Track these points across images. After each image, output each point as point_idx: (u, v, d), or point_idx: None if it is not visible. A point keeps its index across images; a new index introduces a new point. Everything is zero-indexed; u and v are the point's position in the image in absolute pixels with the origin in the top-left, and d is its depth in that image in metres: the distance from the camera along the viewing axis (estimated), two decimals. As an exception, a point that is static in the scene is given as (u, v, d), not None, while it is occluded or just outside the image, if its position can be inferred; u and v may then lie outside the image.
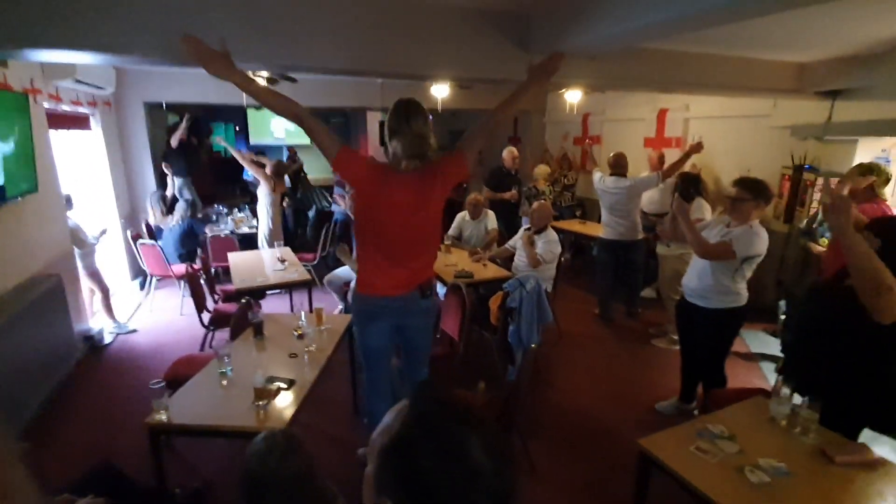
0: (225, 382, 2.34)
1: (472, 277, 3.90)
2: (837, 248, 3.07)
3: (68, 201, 4.19)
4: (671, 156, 4.93)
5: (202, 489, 2.44)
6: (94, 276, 4.34)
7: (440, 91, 4.86)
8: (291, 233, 7.02)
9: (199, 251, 5.24)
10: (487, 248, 4.62)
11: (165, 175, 6.12)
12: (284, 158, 8.19)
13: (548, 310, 3.59)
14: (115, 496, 1.54)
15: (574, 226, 6.13)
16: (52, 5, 1.98)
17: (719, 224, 2.86)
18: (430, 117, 2.06)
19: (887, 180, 3.28)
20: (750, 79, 3.74)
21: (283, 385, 2.26)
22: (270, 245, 5.30)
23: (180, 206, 5.32)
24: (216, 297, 4.44)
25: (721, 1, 1.88)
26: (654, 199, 5.11)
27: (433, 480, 0.58)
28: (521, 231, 4.34)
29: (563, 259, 4.10)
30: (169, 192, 5.74)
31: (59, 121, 4.42)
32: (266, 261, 4.64)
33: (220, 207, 6.65)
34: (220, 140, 6.37)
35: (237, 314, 3.08)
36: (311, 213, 7.35)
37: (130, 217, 5.89)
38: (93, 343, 4.16)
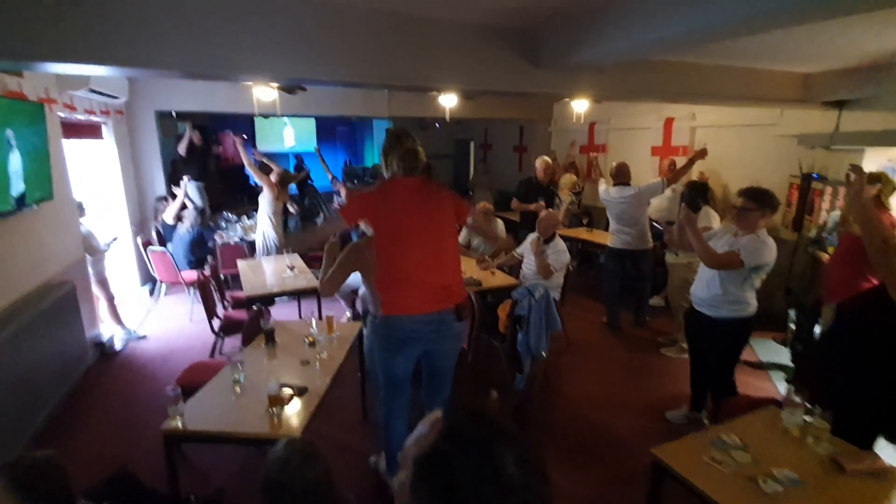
0: (238, 389, 2.35)
1: (480, 285, 3.92)
2: (842, 257, 3.09)
3: (80, 208, 4.25)
4: (680, 164, 4.94)
5: (216, 496, 2.45)
6: (102, 283, 4.38)
7: (448, 101, 4.91)
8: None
9: (208, 258, 5.29)
10: (495, 256, 4.64)
11: (173, 183, 6.16)
12: (292, 167, 8.24)
13: (556, 318, 3.59)
14: (132, 504, 1.56)
15: (581, 234, 6.14)
16: (77, 21, 2.04)
17: (727, 233, 2.87)
18: (418, 142, 2.29)
19: (894, 189, 3.28)
20: (757, 89, 3.77)
21: (295, 392, 2.28)
22: (268, 253, 5.32)
23: (190, 214, 5.37)
24: (226, 303, 4.47)
25: (728, 17, 1.91)
26: (662, 208, 5.12)
27: (468, 494, 0.59)
28: (528, 239, 4.36)
29: (570, 267, 4.11)
30: (178, 197, 5.75)
31: (73, 130, 4.49)
32: (276, 268, 4.67)
33: (229, 215, 6.71)
34: (239, 141, 6.26)
35: (249, 321, 3.11)
36: (318, 220, 7.40)
37: (141, 224, 5.95)
38: (104, 350, 4.20)
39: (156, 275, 5.18)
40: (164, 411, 2.07)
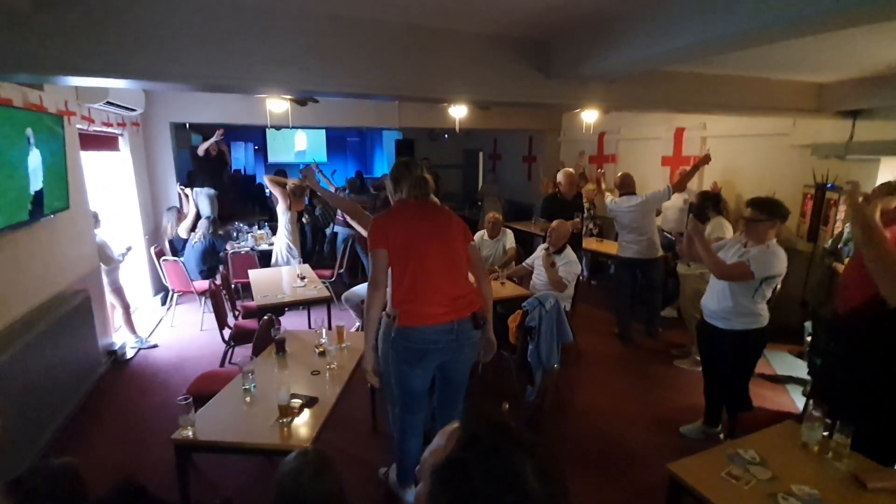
0: (248, 399, 2.36)
1: (490, 296, 3.90)
2: (857, 269, 3.03)
3: (96, 219, 4.31)
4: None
5: (224, 506, 2.44)
6: (118, 291, 4.43)
7: (459, 112, 4.94)
8: (310, 250, 7.09)
9: (220, 267, 5.33)
10: (505, 267, 4.62)
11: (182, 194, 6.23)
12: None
13: (567, 329, 3.56)
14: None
15: (591, 244, 6.11)
16: (99, 36, 2.09)
17: (736, 244, 2.84)
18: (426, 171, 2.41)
19: None
20: (770, 99, 3.75)
21: (306, 402, 2.27)
22: (286, 262, 5.36)
23: (203, 224, 5.43)
24: (237, 313, 4.49)
25: (740, 28, 1.91)
26: (674, 218, 5.09)
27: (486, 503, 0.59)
28: (538, 250, 4.34)
29: (581, 278, 4.09)
30: (190, 210, 5.83)
31: (91, 142, 4.58)
32: (286, 278, 4.70)
33: (241, 224, 6.78)
34: (315, 167, 6.20)
35: (260, 330, 3.11)
36: (328, 231, 7.44)
37: (154, 234, 6.03)
38: (115, 358, 4.24)
39: (168, 284, 5.23)
40: (175, 420, 2.07)
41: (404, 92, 2.77)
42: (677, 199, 4.95)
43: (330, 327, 3.46)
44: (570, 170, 5.13)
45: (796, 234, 4.70)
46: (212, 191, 6.33)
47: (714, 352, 2.96)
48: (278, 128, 8.29)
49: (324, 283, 4.68)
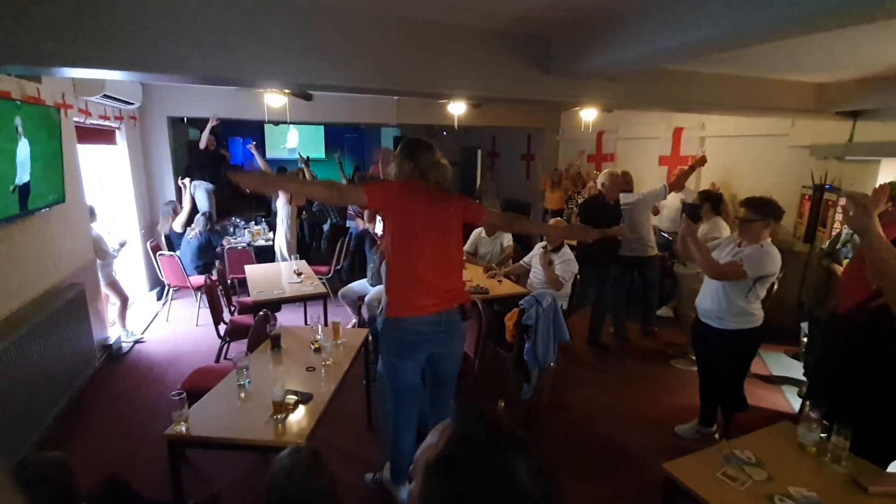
0: (243, 395, 2.34)
1: (487, 293, 3.89)
2: (857, 269, 3.02)
3: (91, 213, 4.28)
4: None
5: (212, 500, 2.43)
6: (113, 285, 4.41)
7: (457, 108, 4.92)
8: (307, 246, 7.07)
9: (216, 263, 5.31)
10: (502, 265, 4.61)
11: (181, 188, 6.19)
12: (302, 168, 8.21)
13: (564, 327, 3.56)
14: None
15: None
16: (96, 28, 2.07)
17: (731, 243, 2.83)
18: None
19: None
20: (769, 99, 3.74)
21: (301, 399, 2.26)
22: (288, 258, 5.34)
23: (199, 220, 5.40)
24: (232, 308, 4.47)
25: (737, 26, 1.90)
26: (670, 217, 5.08)
27: (478, 500, 0.58)
28: (536, 248, 4.33)
29: (577, 276, 4.08)
30: (185, 205, 5.78)
31: (87, 135, 4.55)
32: (283, 273, 4.68)
33: (237, 220, 6.75)
34: (253, 147, 6.27)
35: (256, 326, 3.09)
36: (325, 227, 7.41)
37: (150, 229, 6.00)
38: (110, 352, 4.21)
39: (164, 279, 5.20)
40: (169, 415, 2.05)
41: (402, 87, 2.75)
42: (674, 199, 4.95)
43: (326, 323, 3.44)
44: (615, 172, 4.47)
45: (793, 236, 4.69)
46: (210, 185, 6.29)
47: (709, 351, 2.96)
48: (276, 123, 8.25)
49: (320, 279, 4.66)
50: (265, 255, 5.73)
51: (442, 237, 2.17)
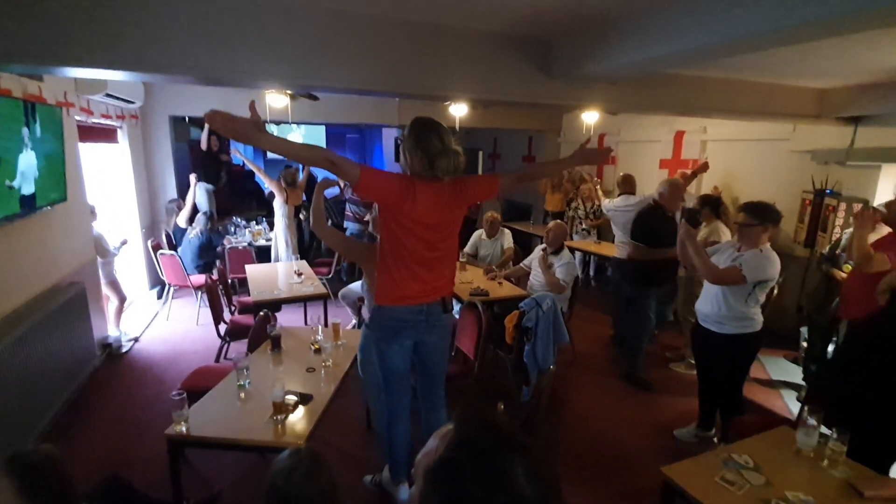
0: (243, 395, 2.35)
1: (487, 295, 3.90)
2: (859, 275, 3.03)
3: (92, 212, 4.29)
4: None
5: (212, 500, 2.43)
6: (113, 284, 4.42)
7: (459, 110, 4.92)
8: (307, 246, 7.07)
9: (216, 262, 5.31)
10: (503, 267, 4.62)
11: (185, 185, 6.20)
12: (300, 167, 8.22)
13: (564, 330, 3.57)
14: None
15: (589, 246, 6.11)
16: (100, 28, 2.07)
17: (730, 248, 2.84)
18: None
19: None
20: (771, 104, 3.74)
21: (301, 400, 2.26)
22: (286, 258, 5.35)
23: (200, 219, 5.41)
24: (233, 308, 4.48)
25: (739, 33, 1.90)
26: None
27: None
28: (536, 251, 4.34)
29: (578, 279, 4.09)
30: (188, 200, 5.79)
31: (89, 133, 4.56)
32: (283, 274, 4.68)
33: (238, 220, 6.75)
34: (238, 152, 6.43)
35: (256, 326, 3.10)
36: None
37: (151, 227, 6.01)
38: (110, 351, 4.22)
39: (165, 278, 5.21)
40: (169, 414, 2.06)
41: (404, 89, 2.75)
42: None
43: (326, 324, 3.45)
44: (677, 181, 3.94)
45: (794, 240, 4.70)
46: (210, 186, 6.31)
47: (708, 355, 2.96)
48: (278, 123, 8.26)
49: (321, 279, 4.67)
50: (266, 255, 5.74)
51: (437, 237, 2.14)
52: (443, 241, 2.17)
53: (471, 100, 4.15)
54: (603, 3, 2.27)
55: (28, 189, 3.03)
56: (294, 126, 11.45)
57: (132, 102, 5.07)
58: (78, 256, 3.91)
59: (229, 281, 5.05)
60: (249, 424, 2.12)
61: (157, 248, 5.22)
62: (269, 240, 6.08)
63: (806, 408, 2.00)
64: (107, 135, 5.12)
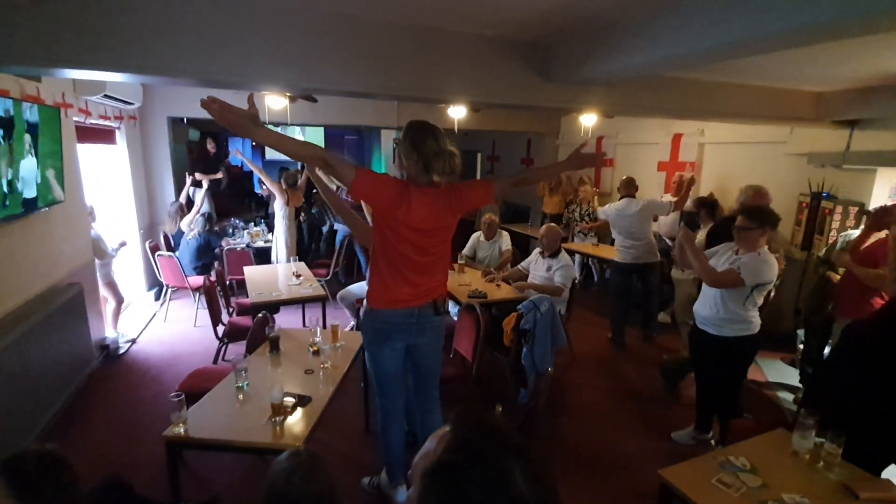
0: (241, 397, 2.34)
1: (485, 298, 3.90)
2: (853, 277, 3.04)
3: (91, 213, 4.29)
4: (686, 179, 4.94)
5: (211, 502, 2.43)
6: (111, 285, 4.41)
7: (458, 112, 4.94)
8: (306, 248, 7.07)
9: (215, 264, 5.31)
10: (501, 269, 4.63)
11: (183, 186, 6.20)
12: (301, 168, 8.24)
13: (562, 332, 3.57)
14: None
15: (587, 248, 6.13)
16: (98, 30, 2.08)
17: (728, 251, 2.85)
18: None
19: None
20: (768, 107, 3.76)
21: (299, 401, 2.26)
22: (286, 260, 5.34)
23: (199, 221, 5.41)
24: (231, 309, 4.47)
25: (736, 37, 1.91)
26: (668, 223, 5.10)
27: None
28: (533, 254, 4.35)
29: (575, 281, 4.10)
30: (197, 203, 5.78)
31: (87, 134, 4.55)
32: (281, 275, 4.68)
33: (236, 221, 6.75)
34: (238, 153, 6.42)
35: (254, 328, 3.10)
36: (325, 229, 7.42)
37: (149, 228, 6.00)
38: (108, 352, 4.21)
39: (162, 279, 5.20)
40: (167, 416, 2.06)
41: (403, 92, 2.76)
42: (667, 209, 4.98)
43: (325, 326, 3.45)
44: (761, 186, 3.77)
45: (790, 243, 4.72)
46: (206, 188, 6.32)
47: (706, 358, 2.97)
48: (276, 124, 8.25)
49: (319, 281, 4.67)
50: (264, 256, 5.73)
51: (430, 243, 2.14)
52: (435, 246, 2.17)
53: (469, 103, 4.17)
54: (601, 7, 2.29)
55: (30, 193, 3.05)
56: (298, 129, 11.45)
57: (131, 103, 5.07)
58: (76, 258, 3.90)
59: (227, 282, 5.05)
60: (248, 426, 2.12)
61: (155, 249, 5.21)
62: (267, 241, 6.08)
63: (802, 410, 2.01)
64: (105, 136, 5.12)
